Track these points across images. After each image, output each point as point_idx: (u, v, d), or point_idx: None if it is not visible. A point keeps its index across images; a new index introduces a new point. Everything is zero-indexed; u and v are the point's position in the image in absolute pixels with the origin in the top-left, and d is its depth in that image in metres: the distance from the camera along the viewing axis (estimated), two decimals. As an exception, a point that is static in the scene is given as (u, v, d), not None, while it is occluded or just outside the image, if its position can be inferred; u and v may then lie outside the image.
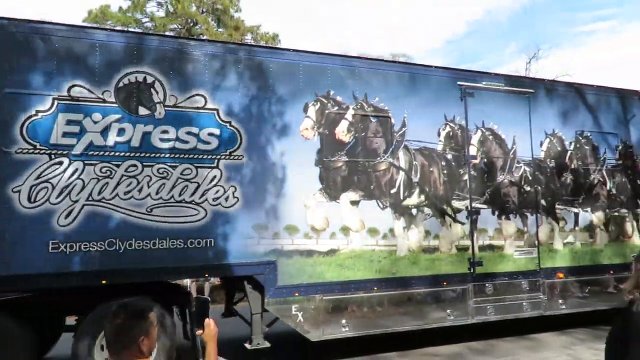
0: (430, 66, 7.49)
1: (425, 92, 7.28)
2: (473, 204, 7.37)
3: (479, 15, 46.92)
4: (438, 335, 7.64)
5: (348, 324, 6.45)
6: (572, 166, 8.25)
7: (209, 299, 2.59)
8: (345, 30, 41.28)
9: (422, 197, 7.09)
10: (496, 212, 7.56)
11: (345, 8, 43.55)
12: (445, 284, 7.07)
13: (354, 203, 6.68)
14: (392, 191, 6.91)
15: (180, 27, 23.01)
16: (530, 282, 7.64)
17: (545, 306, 7.69)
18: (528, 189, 7.83)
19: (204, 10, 23.74)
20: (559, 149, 8.19)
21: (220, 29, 23.40)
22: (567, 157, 8.23)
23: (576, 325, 8.39)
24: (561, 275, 7.87)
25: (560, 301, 7.82)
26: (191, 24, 23.13)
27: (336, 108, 6.72)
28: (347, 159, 6.68)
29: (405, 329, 6.77)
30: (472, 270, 7.23)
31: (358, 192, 6.71)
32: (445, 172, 7.28)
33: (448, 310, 7.06)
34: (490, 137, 7.66)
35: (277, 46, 6.42)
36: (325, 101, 6.67)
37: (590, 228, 8.29)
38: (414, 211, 7.03)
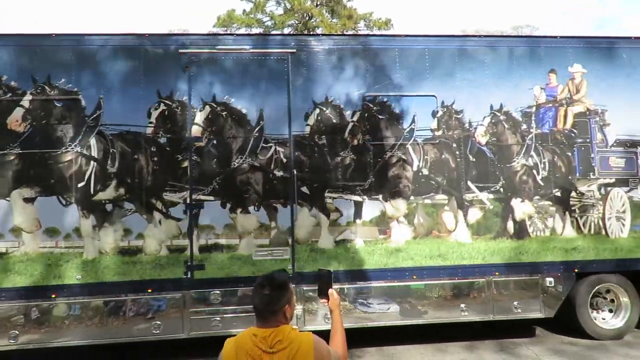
0: (142, 35, 6.34)
1: (131, 67, 6.18)
2: (194, 196, 6.12)
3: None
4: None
5: (18, 336, 5.77)
6: (355, 142, 6.44)
7: (332, 270, 2.68)
8: (464, 5, 37.87)
9: (122, 190, 6.07)
10: (228, 205, 6.20)
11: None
12: (150, 290, 5.99)
13: (29, 200, 5.93)
14: (80, 185, 6.00)
15: (297, 22, 23.84)
16: (280, 289, 6.15)
17: (301, 319, 6.16)
18: (280, 174, 6.29)
19: (318, 3, 24.27)
20: (334, 121, 6.45)
21: (334, 20, 23.92)
22: (348, 131, 6.44)
23: None
24: (328, 281, 6.21)
25: (325, 314, 6.20)
26: (307, 18, 23.81)
27: (9, 95, 6.00)
28: (21, 151, 5.94)
29: (88, 343, 5.89)
30: (189, 275, 6.03)
31: (34, 187, 5.94)
32: (156, 159, 6.14)
33: (157, 322, 5.98)
34: (224, 113, 6.27)
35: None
36: (-5, 89, 5.99)
37: (381, 221, 6.43)
38: (108, 207, 6.05)
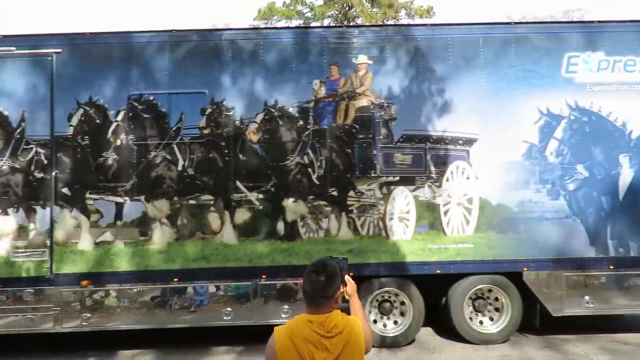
0: None
1: None
2: (-45, 199, 6.21)
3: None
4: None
5: None
6: (118, 142, 6.33)
7: (347, 257, 2.71)
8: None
9: None
10: (-13, 207, 6.26)
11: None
12: None
13: None
14: None
15: (337, 12, 23.87)
16: (38, 291, 6.17)
17: (60, 320, 6.15)
18: (40, 175, 6.27)
19: (358, -8, 24.07)
20: (97, 121, 6.35)
21: (374, 9, 23.80)
22: (111, 131, 6.33)
23: None
24: (86, 283, 6.19)
25: (85, 315, 6.17)
26: (347, 8, 23.84)
27: None
28: None
29: None
30: (-51, 277, 6.14)
31: None
32: None
33: None
34: (-15, 116, 6.31)
35: None
36: None
37: (143, 222, 6.31)
38: None
